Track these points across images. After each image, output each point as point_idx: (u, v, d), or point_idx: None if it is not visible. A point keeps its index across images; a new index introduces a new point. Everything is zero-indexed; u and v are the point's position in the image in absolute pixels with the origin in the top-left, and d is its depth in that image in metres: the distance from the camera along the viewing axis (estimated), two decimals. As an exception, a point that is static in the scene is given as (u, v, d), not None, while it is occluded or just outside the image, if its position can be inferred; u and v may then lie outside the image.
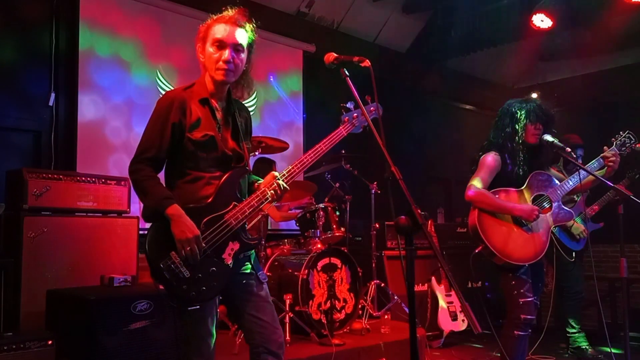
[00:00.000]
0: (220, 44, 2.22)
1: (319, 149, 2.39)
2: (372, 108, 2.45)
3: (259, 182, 2.36)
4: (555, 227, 3.23)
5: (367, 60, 2.10)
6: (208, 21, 2.29)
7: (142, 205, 2.20)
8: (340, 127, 2.50)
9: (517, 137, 3.16)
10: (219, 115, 2.27)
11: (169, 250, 2.06)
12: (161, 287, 2.06)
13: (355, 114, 2.51)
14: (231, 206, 2.18)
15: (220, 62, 2.19)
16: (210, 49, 2.23)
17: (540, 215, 3.11)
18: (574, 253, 4.36)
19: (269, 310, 2.27)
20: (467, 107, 8.48)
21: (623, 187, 4.43)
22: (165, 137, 2.15)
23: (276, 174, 2.28)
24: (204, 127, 2.20)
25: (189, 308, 2.10)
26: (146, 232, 2.15)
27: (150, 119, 2.21)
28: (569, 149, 3.12)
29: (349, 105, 2.53)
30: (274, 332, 2.24)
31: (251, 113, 2.50)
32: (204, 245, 2.09)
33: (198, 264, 2.08)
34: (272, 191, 2.24)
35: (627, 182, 4.67)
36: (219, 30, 2.23)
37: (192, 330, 2.17)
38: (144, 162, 2.14)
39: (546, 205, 3.19)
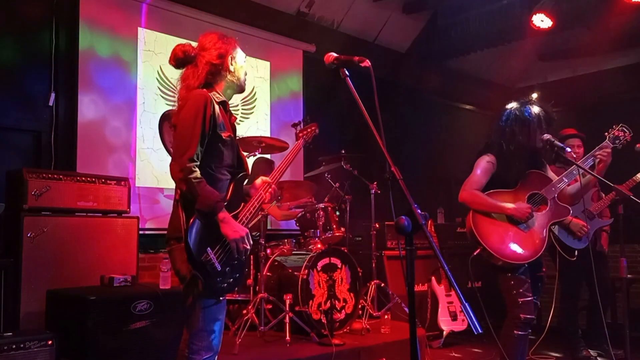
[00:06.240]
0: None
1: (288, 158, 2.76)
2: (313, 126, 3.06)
3: (250, 185, 2.59)
4: (554, 225, 3.23)
5: (367, 60, 2.10)
6: (231, 37, 2.54)
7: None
8: (299, 142, 2.99)
9: (528, 143, 3.14)
10: (232, 119, 2.50)
11: (205, 247, 2.23)
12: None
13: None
14: (241, 206, 2.42)
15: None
16: (243, 63, 2.56)
17: (535, 213, 3.11)
18: (576, 252, 4.32)
19: None
20: (467, 107, 8.47)
21: (627, 187, 4.40)
22: (204, 131, 2.28)
23: (267, 179, 2.56)
24: (227, 129, 2.40)
25: (220, 298, 2.31)
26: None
27: (187, 114, 2.29)
28: (568, 149, 3.12)
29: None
30: None
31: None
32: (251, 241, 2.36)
33: (226, 259, 2.28)
34: (268, 194, 2.51)
35: (632, 183, 4.60)
36: (242, 51, 2.59)
37: (205, 324, 2.28)
38: (190, 161, 2.22)
39: (541, 203, 3.19)
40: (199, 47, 2.46)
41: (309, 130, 3.06)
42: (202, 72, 2.40)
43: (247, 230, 2.31)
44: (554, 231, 4.18)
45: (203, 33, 2.52)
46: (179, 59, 2.43)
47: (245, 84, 2.58)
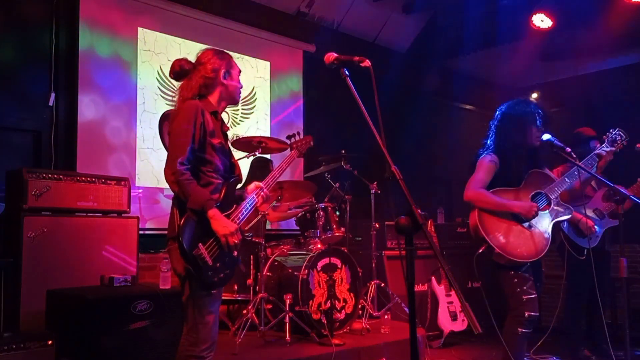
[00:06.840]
0: None
1: (281, 167, 2.94)
2: (307, 139, 3.26)
3: (244, 189, 2.75)
4: (563, 223, 3.24)
5: (367, 60, 2.11)
6: (226, 53, 2.69)
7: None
8: (293, 152, 3.18)
9: (523, 141, 3.16)
10: (224, 128, 2.65)
11: (197, 242, 2.36)
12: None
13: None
14: (233, 208, 2.55)
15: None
16: (238, 77, 2.70)
17: (540, 212, 3.12)
18: (585, 251, 4.30)
19: None
20: (467, 107, 8.47)
21: (633, 190, 4.39)
22: (195, 138, 2.43)
23: (259, 184, 2.74)
24: (218, 136, 2.54)
25: (212, 291, 2.43)
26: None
27: (179, 123, 2.45)
28: (568, 149, 3.12)
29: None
30: None
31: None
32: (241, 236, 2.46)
33: (218, 255, 2.40)
34: (260, 198, 2.70)
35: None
36: (237, 66, 2.73)
37: (200, 317, 2.39)
38: (181, 165, 2.37)
39: (545, 202, 3.20)
40: (196, 61, 2.64)
41: (303, 142, 3.24)
42: (195, 85, 2.57)
43: (237, 226, 2.44)
44: (563, 230, 4.18)
45: (202, 50, 2.70)
46: (176, 72, 2.62)
47: (238, 97, 2.74)
